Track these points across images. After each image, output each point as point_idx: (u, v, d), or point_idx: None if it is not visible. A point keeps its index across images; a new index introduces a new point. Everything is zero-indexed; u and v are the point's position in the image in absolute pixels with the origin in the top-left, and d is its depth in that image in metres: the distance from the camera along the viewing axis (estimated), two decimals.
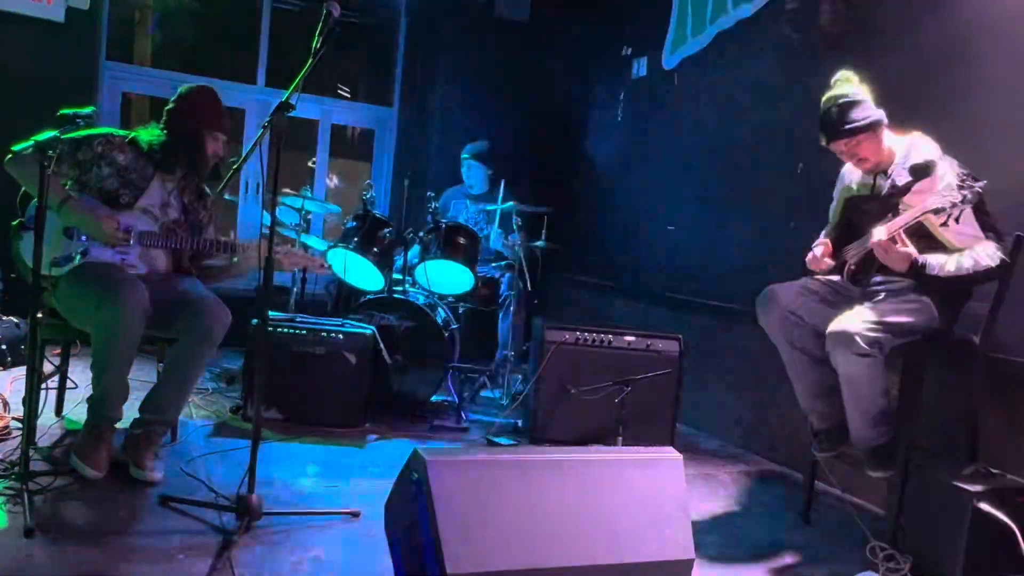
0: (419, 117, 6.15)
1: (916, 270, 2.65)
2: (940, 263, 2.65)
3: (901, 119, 2.86)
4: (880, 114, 2.80)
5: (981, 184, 2.51)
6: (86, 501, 2.59)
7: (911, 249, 2.64)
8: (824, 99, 2.86)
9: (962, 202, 2.48)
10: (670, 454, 2.32)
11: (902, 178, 2.76)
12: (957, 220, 2.54)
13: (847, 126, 2.77)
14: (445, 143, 5.31)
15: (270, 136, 2.34)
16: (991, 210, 2.68)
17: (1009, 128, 2.99)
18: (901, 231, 2.63)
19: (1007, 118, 3.01)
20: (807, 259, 2.99)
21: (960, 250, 2.67)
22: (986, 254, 2.63)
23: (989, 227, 2.66)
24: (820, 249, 2.97)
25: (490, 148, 5.06)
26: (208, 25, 6.50)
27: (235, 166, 2.37)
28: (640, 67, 5.37)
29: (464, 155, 5.13)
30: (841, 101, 2.80)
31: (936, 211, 2.53)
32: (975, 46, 3.15)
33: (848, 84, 2.85)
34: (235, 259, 3.14)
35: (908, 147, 2.81)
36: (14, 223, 3.02)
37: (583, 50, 6.09)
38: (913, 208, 2.62)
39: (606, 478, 2.17)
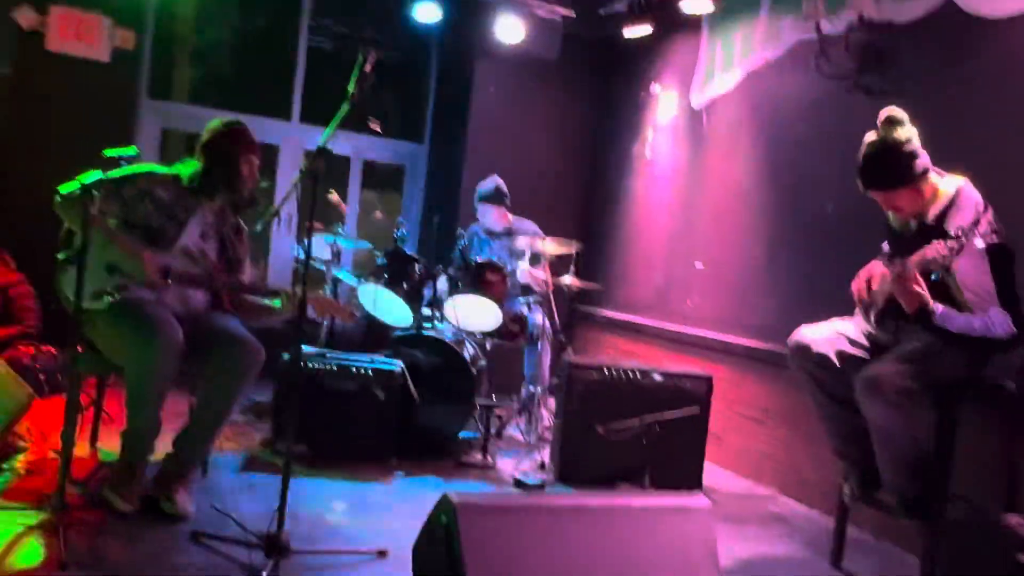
0: (449, 153, 6.23)
1: (925, 314, 2.58)
2: (950, 315, 2.57)
3: (934, 160, 2.76)
4: (924, 163, 2.65)
5: (983, 232, 2.45)
6: (118, 535, 2.63)
7: (923, 291, 2.56)
8: (869, 141, 2.70)
9: (950, 252, 2.42)
10: (699, 501, 2.31)
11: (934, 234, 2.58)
12: (948, 270, 2.50)
13: (888, 179, 2.66)
14: (475, 180, 5.34)
15: (306, 180, 2.39)
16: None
17: None
18: (916, 271, 2.54)
19: None
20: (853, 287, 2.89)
21: (971, 311, 2.56)
22: (998, 323, 2.54)
23: (1008, 294, 2.55)
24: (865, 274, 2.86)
25: (496, 187, 5.00)
26: (244, 62, 6.66)
27: (274, 211, 2.42)
28: (670, 105, 5.41)
29: (475, 199, 5.13)
30: (887, 149, 2.64)
31: (929, 260, 2.46)
32: (1009, 87, 3.14)
33: (898, 127, 2.65)
34: (276, 302, 3.15)
35: (952, 197, 2.66)
36: (60, 256, 3.08)
37: (612, 88, 6.15)
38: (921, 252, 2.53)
39: (635, 527, 2.16)
